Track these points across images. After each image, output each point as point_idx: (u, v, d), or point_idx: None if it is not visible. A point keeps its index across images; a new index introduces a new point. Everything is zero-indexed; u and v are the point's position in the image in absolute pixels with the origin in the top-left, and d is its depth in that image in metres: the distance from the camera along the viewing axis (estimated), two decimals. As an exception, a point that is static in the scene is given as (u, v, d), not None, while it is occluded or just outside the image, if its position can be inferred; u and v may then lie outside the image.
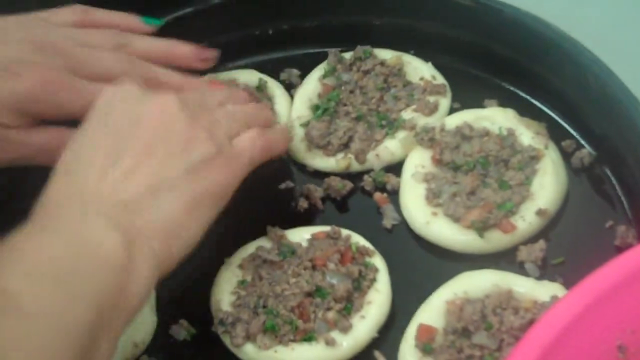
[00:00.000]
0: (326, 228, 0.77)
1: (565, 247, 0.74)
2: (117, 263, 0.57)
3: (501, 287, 0.70)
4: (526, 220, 0.74)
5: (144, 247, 0.60)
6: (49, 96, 0.71)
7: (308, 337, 0.71)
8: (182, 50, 0.80)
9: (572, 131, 0.81)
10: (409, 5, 0.87)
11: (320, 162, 0.83)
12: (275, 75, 0.90)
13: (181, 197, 0.63)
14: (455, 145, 0.79)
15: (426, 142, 0.80)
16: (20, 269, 0.54)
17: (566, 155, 0.79)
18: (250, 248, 0.77)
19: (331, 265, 0.74)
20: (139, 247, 0.59)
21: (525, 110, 0.81)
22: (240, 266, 0.76)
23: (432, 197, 0.76)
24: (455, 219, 0.75)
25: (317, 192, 0.81)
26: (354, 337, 0.71)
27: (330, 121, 0.84)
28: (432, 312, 0.70)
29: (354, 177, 0.82)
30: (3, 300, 0.52)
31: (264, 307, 0.73)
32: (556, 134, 0.80)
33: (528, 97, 0.84)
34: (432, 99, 0.84)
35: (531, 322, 0.66)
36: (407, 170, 0.80)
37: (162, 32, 0.83)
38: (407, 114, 0.83)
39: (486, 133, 0.79)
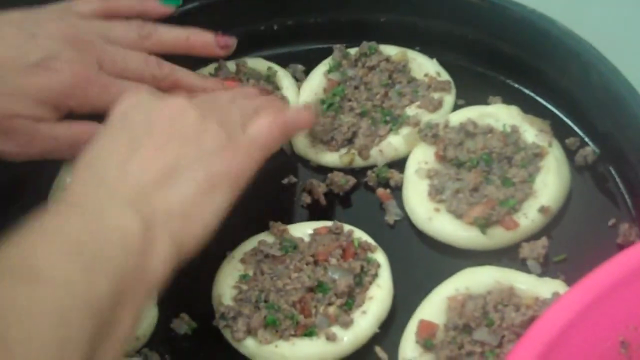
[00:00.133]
0: (328, 223, 0.77)
1: (568, 245, 0.74)
2: (136, 243, 0.59)
3: (503, 283, 0.70)
4: (529, 217, 0.74)
5: (162, 229, 0.62)
6: (80, 92, 0.74)
7: (309, 332, 0.71)
8: (204, 38, 0.83)
9: (576, 129, 0.81)
10: (414, 2, 0.87)
11: (324, 157, 0.83)
12: (279, 71, 0.90)
13: (196, 179, 0.65)
14: (458, 141, 0.79)
15: (430, 138, 0.80)
16: (44, 245, 0.56)
17: (570, 153, 0.79)
18: (252, 242, 0.77)
19: (333, 261, 0.74)
20: (158, 229, 0.61)
21: (529, 108, 0.81)
22: (242, 260, 0.76)
23: (435, 193, 0.76)
24: (458, 215, 0.75)
25: (320, 187, 0.81)
26: (355, 333, 0.71)
27: (334, 116, 0.84)
28: (433, 308, 0.70)
29: (357, 172, 0.82)
30: (20, 268, 0.53)
31: (265, 301, 0.73)
32: (560, 132, 0.79)
33: (532, 95, 0.84)
34: (436, 95, 0.83)
35: (532, 319, 0.66)
36: (411, 166, 0.80)
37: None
38: (411, 110, 0.83)
39: (490, 130, 0.79)
